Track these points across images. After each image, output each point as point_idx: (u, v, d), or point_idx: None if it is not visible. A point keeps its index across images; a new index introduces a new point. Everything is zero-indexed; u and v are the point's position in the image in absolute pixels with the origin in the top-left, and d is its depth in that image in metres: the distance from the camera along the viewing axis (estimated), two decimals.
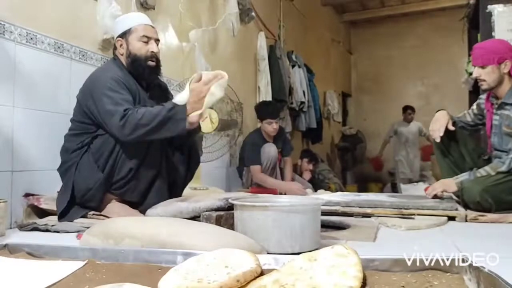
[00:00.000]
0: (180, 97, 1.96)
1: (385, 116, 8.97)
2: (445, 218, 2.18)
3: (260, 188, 3.85)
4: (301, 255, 0.96)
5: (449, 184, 2.51)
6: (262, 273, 0.93)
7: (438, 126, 2.56)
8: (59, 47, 2.38)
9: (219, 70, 2.00)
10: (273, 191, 3.78)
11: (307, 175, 4.93)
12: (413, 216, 2.20)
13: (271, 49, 5.38)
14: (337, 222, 2.16)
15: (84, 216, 2.07)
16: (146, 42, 2.13)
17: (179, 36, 3.49)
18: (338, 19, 8.77)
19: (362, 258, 0.94)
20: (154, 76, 2.22)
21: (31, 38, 2.21)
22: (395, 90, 9.08)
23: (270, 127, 3.90)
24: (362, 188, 7.81)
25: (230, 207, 1.66)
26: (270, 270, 0.95)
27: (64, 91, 2.41)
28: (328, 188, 5.75)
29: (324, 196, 2.91)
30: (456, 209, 2.27)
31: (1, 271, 0.99)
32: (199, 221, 1.72)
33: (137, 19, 2.19)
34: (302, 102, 5.89)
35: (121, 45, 2.16)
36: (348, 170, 8.52)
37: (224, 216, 1.70)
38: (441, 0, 7.89)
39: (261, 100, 4.90)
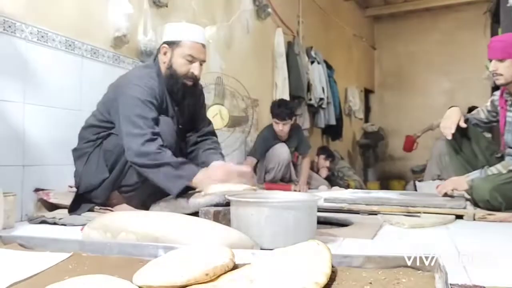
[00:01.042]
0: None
1: (409, 113, 8.83)
2: (453, 216, 2.15)
3: (275, 184, 3.86)
4: (274, 250, 0.96)
5: (460, 182, 2.47)
6: (236, 268, 0.94)
7: (449, 124, 2.52)
8: (70, 45, 2.44)
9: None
10: (287, 188, 3.78)
11: (323, 172, 4.91)
12: (419, 214, 2.17)
13: (289, 46, 5.36)
14: (341, 219, 2.15)
15: (91, 210, 2.14)
16: (190, 62, 2.08)
17: None
18: (361, 14, 8.67)
19: (336, 254, 0.95)
20: (187, 95, 2.17)
21: (42, 36, 2.27)
22: (419, 86, 8.92)
23: (276, 127, 3.90)
24: (384, 186, 7.72)
25: (229, 203, 1.67)
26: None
27: (75, 88, 2.47)
28: (347, 186, 5.71)
29: (335, 193, 2.90)
30: (464, 208, 2.23)
31: None
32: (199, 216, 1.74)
33: (189, 33, 2.10)
34: (321, 99, 5.85)
35: (165, 53, 2.11)
36: (369, 167, 8.42)
37: (222, 212, 1.71)
38: None
39: (277, 97, 4.90)
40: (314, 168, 4.97)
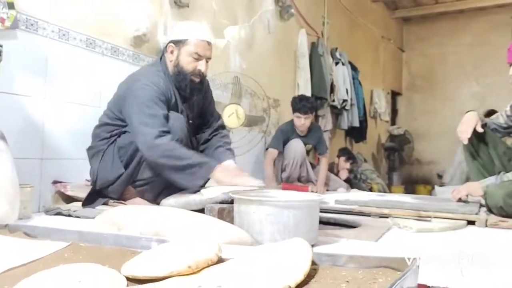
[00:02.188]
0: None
1: (437, 117, 8.68)
2: (464, 222, 2.11)
3: (292, 185, 3.87)
4: (260, 246, 0.99)
5: (475, 188, 2.42)
6: (222, 262, 0.97)
7: (465, 128, 2.47)
8: (91, 43, 2.51)
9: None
10: (304, 189, 3.78)
11: (343, 174, 4.88)
12: (429, 219, 2.15)
13: (313, 46, 5.35)
14: (350, 220, 2.15)
15: (106, 204, 2.20)
16: (197, 59, 2.15)
17: (214, 33, 3.55)
18: (389, 16, 8.55)
19: (320, 253, 0.96)
20: (195, 92, 2.24)
21: (63, 35, 2.35)
22: (448, 90, 8.74)
23: (298, 121, 3.92)
24: (410, 190, 7.60)
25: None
26: None
27: (95, 85, 2.55)
28: (370, 189, 5.66)
29: (347, 195, 2.89)
30: (477, 213, 2.19)
31: None
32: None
33: (195, 32, 2.18)
34: (345, 100, 5.82)
35: (172, 51, 2.19)
36: (394, 171, 8.31)
37: (226, 209, 1.74)
38: None
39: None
40: (334, 169, 4.95)
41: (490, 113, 5.95)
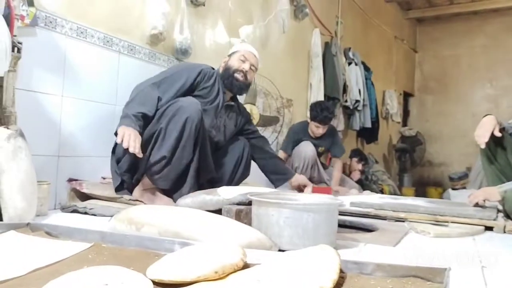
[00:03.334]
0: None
1: (449, 118, 8.62)
2: (482, 227, 2.09)
3: (316, 187, 3.84)
4: (286, 252, 0.98)
5: (492, 193, 2.39)
6: (247, 267, 0.96)
7: (483, 132, 2.44)
8: (108, 41, 2.51)
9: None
10: (327, 191, 3.75)
11: (355, 175, 4.85)
12: (446, 224, 2.13)
13: (327, 46, 5.33)
14: (366, 224, 2.14)
15: (121, 202, 2.20)
16: (243, 61, 2.46)
17: (229, 32, 3.55)
18: (403, 16, 8.48)
19: (347, 260, 0.95)
20: (238, 88, 2.49)
21: (81, 32, 2.35)
22: (461, 92, 8.67)
23: (316, 130, 3.90)
24: (420, 192, 7.55)
25: (251, 202, 1.69)
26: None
27: (111, 83, 2.55)
28: (381, 190, 5.63)
29: (362, 197, 2.87)
30: (495, 219, 2.17)
31: (15, 247, 1.09)
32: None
33: (246, 47, 2.58)
34: (357, 101, 5.79)
35: (225, 61, 2.52)
36: (405, 172, 8.25)
37: (244, 211, 1.73)
38: None
39: (312, 97, 4.87)
40: (346, 170, 4.92)
41: None
